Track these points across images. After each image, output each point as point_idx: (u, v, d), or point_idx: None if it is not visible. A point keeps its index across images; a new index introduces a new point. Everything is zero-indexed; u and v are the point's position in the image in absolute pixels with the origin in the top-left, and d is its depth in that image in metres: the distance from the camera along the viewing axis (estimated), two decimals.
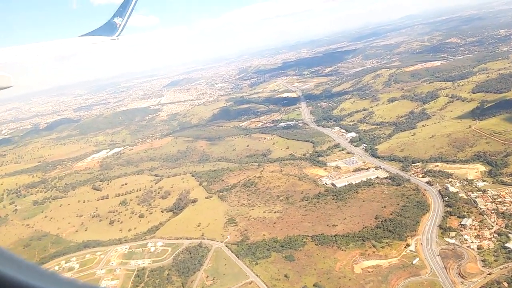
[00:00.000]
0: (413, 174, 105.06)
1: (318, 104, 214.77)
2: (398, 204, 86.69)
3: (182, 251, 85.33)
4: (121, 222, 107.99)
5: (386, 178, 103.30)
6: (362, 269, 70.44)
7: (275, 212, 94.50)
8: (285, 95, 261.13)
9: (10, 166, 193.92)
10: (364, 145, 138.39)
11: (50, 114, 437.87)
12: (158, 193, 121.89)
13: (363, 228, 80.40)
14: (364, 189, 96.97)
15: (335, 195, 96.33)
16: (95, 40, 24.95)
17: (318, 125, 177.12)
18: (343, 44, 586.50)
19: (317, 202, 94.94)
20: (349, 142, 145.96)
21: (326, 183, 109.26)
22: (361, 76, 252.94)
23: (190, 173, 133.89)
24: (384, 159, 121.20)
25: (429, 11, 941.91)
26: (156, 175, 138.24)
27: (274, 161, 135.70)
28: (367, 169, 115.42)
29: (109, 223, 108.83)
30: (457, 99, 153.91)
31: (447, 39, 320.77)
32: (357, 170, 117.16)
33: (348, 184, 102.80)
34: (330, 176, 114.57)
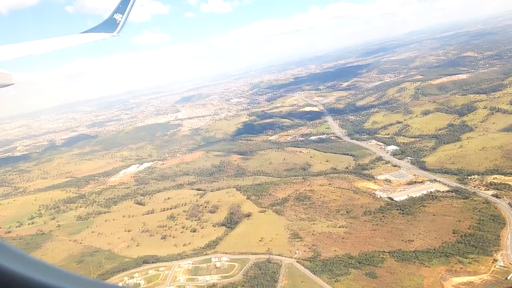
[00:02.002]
0: (474, 187, 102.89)
1: (345, 118, 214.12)
2: (472, 218, 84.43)
3: (251, 267, 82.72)
4: (174, 237, 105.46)
5: (448, 191, 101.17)
6: (453, 286, 67.79)
7: (340, 227, 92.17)
8: (307, 109, 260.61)
9: (38, 181, 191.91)
10: (409, 158, 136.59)
11: (64, 131, 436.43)
12: (206, 207, 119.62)
13: (443, 243, 77.97)
14: (430, 203, 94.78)
15: (401, 209, 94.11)
16: (96, 36, 24.70)
17: (352, 139, 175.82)
18: (351, 59, 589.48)
19: (383, 216, 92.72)
20: (391, 155, 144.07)
21: (381, 197, 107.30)
22: (383, 89, 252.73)
23: (234, 187, 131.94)
24: (436, 172, 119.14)
25: (432, 27, 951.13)
26: (198, 189, 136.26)
27: (317, 175, 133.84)
28: (421, 182, 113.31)
29: (161, 238, 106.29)
30: (497, 111, 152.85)
31: (463, 53, 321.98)
32: (410, 183, 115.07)
33: (409, 198, 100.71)
34: (383, 190, 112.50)
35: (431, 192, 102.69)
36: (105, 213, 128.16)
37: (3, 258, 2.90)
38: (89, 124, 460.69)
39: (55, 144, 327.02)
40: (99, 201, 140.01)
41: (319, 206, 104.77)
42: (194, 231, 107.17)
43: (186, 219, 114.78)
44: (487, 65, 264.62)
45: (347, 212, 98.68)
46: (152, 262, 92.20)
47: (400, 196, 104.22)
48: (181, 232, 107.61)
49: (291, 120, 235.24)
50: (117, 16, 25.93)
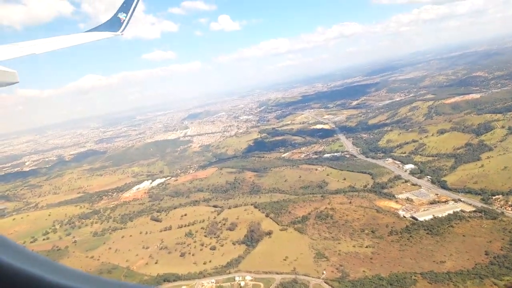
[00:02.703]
0: (500, 207, 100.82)
1: (358, 136, 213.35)
2: (503, 239, 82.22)
3: (277, 287, 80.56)
4: (193, 255, 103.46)
5: (474, 211, 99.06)
6: None
7: (366, 247, 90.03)
8: (318, 126, 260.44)
9: (50, 197, 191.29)
10: (428, 177, 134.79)
11: (71, 146, 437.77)
12: (224, 224, 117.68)
13: (476, 264, 75.70)
14: (458, 223, 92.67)
15: (428, 229, 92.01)
16: (100, 35, 24.43)
17: (367, 157, 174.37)
18: (358, 78, 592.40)
19: (410, 236, 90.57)
20: (409, 174, 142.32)
21: (405, 216, 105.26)
22: (394, 108, 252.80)
23: (251, 204, 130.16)
24: (458, 192, 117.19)
25: (437, 47, 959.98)
26: (215, 206, 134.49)
27: (336, 193, 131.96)
28: (445, 202, 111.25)
29: (180, 256, 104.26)
30: None
31: (473, 73, 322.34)
32: (433, 202, 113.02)
33: (434, 218, 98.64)
34: (406, 209, 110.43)
35: (456, 212, 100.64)
36: (121, 229, 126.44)
37: (5, 254, 2.72)
38: (97, 140, 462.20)
39: (64, 160, 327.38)
40: (114, 217, 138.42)
41: (342, 225, 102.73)
42: (214, 248, 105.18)
43: (205, 236, 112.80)
44: (498, 84, 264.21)
45: (372, 231, 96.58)
46: (173, 280, 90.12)
47: (424, 215, 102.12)
48: (200, 250, 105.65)
49: (303, 137, 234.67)
50: (121, 15, 25.85)
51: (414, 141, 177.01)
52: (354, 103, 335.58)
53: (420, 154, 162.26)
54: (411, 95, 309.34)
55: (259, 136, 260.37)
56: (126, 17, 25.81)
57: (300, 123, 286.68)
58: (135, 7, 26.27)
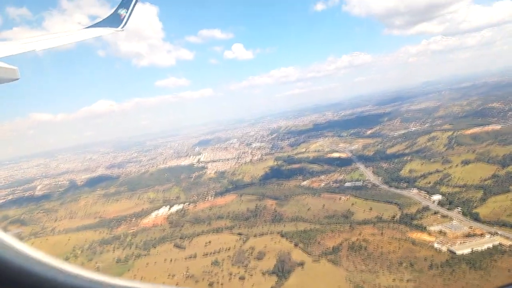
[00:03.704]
0: None
1: (377, 165, 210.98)
2: None
3: None
4: (222, 284, 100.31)
5: None
6: None
7: (407, 281, 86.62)
8: (335, 155, 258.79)
9: (67, 221, 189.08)
10: (459, 208, 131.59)
11: (83, 171, 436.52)
12: (251, 253, 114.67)
13: None
14: (501, 257, 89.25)
15: (470, 263, 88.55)
16: (101, 31, 24.38)
17: (390, 186, 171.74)
18: (368, 108, 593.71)
19: (452, 270, 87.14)
20: (437, 205, 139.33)
21: (441, 249, 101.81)
22: (412, 138, 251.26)
23: (277, 233, 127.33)
24: (492, 224, 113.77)
25: (446, 77, 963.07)
26: (239, 234, 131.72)
27: (364, 223, 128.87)
28: (481, 235, 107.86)
29: (209, 285, 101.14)
30: None
31: (488, 104, 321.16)
32: (468, 235, 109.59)
33: (473, 251, 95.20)
34: (441, 242, 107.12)
35: (495, 245, 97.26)
36: (145, 256, 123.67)
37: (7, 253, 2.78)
38: (108, 165, 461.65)
39: (76, 184, 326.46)
40: (136, 243, 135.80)
41: (378, 257, 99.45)
42: (243, 278, 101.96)
43: (232, 265, 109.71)
44: None
45: (410, 264, 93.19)
46: None
47: (462, 249, 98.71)
48: (229, 279, 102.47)
49: (320, 165, 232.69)
50: (122, 11, 25.75)
51: (438, 171, 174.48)
52: (369, 132, 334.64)
53: (446, 185, 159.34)
54: (426, 125, 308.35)
55: (275, 163, 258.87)
56: (126, 13, 25.79)
57: (315, 151, 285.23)
58: (135, 3, 26.27)
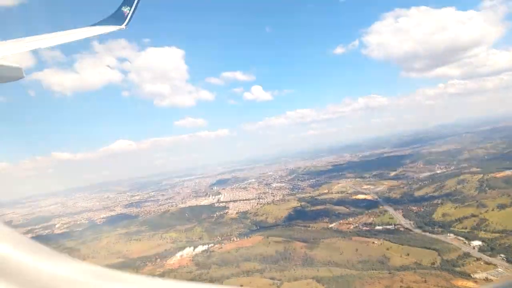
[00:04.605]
0: None
1: (407, 208, 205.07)
2: None
3: None
4: None
5: None
6: None
7: None
8: (360, 197, 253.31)
9: (90, 260, 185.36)
10: (502, 255, 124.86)
11: (101, 210, 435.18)
12: None
13: None
14: None
15: None
16: (104, 29, 24.17)
17: (424, 231, 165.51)
18: (387, 149, 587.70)
19: None
20: (478, 251, 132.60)
21: None
22: (440, 180, 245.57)
23: (312, 278, 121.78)
24: None
25: (462, 121, 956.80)
26: (272, 279, 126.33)
27: (403, 270, 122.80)
28: None
29: None
30: None
31: None
32: None
33: None
34: None
35: None
36: None
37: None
38: (126, 204, 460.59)
39: (95, 223, 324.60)
40: None
41: None
42: None
43: None
44: None
45: None
46: None
47: None
48: None
49: (346, 207, 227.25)
50: (125, 9, 25.73)
51: (473, 215, 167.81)
52: (392, 174, 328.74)
53: (484, 230, 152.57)
54: (452, 167, 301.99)
55: (298, 204, 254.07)
56: (130, 10, 25.73)
57: (339, 193, 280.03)
58: (138, 0, 26.21)
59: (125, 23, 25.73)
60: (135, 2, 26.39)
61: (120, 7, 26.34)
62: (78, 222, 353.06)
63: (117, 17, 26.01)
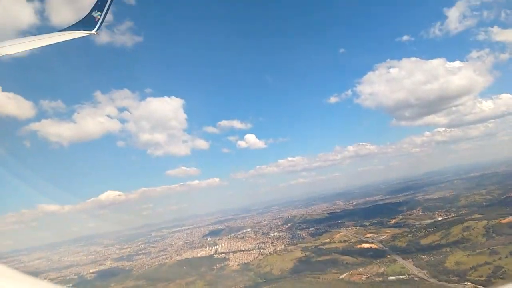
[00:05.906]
0: None
1: (416, 257, 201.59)
2: None
3: None
4: None
5: None
6: None
7: None
8: (365, 246, 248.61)
9: None
10: None
11: (89, 264, 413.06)
12: None
13: None
14: None
15: None
16: (74, 34, 23.90)
17: (439, 280, 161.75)
18: (379, 197, 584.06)
19: None
20: None
21: None
22: (444, 228, 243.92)
23: None
24: None
25: (449, 168, 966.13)
26: None
27: None
28: None
29: None
30: None
31: (509, 193, 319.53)
32: None
33: None
34: None
35: None
36: None
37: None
38: (116, 257, 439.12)
39: (86, 278, 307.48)
40: None
41: None
42: None
43: None
44: None
45: None
46: None
47: None
48: None
49: (354, 257, 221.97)
50: (96, 14, 25.19)
51: (487, 263, 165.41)
52: (392, 221, 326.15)
53: (502, 278, 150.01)
54: (451, 214, 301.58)
55: (303, 254, 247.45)
56: (100, 15, 25.29)
57: (342, 242, 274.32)
58: (110, 5, 25.64)
59: (95, 28, 25.01)
60: (106, 7, 25.78)
61: (91, 12, 25.52)
62: (68, 278, 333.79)
63: (87, 22, 25.35)
